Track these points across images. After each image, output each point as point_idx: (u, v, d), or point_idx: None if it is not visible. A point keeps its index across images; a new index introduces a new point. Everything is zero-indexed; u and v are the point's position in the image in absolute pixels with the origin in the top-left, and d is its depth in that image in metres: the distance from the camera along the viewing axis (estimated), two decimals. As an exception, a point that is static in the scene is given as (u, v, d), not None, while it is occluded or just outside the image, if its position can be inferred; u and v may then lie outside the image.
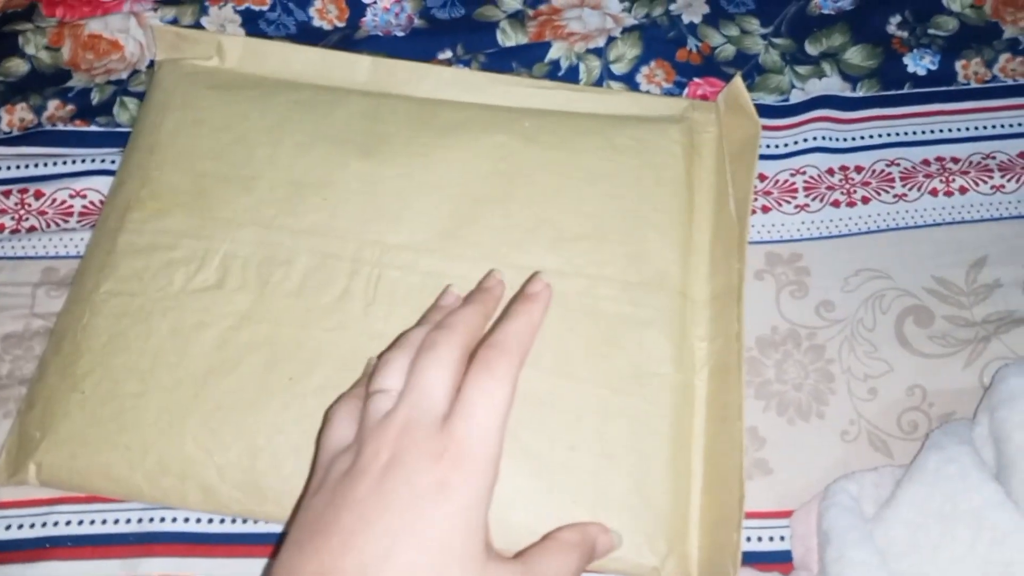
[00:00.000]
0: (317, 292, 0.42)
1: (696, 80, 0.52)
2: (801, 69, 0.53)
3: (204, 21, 0.53)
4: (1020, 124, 0.51)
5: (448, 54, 0.53)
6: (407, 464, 0.27)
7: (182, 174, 0.45)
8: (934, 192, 0.49)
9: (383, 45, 0.53)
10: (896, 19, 0.55)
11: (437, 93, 0.49)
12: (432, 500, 0.26)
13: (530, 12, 0.54)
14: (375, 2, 0.54)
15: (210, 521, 0.41)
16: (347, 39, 0.53)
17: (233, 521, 0.41)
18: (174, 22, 0.53)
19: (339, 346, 0.41)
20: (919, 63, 0.53)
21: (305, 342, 0.41)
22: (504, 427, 0.30)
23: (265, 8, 0.53)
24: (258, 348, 0.41)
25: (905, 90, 0.52)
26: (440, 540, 0.26)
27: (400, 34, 0.53)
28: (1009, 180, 0.49)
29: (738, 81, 0.46)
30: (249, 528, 0.41)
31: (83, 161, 0.49)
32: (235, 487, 0.39)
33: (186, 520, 0.41)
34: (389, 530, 0.26)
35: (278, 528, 0.41)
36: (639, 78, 0.53)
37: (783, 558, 0.41)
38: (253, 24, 0.53)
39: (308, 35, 0.53)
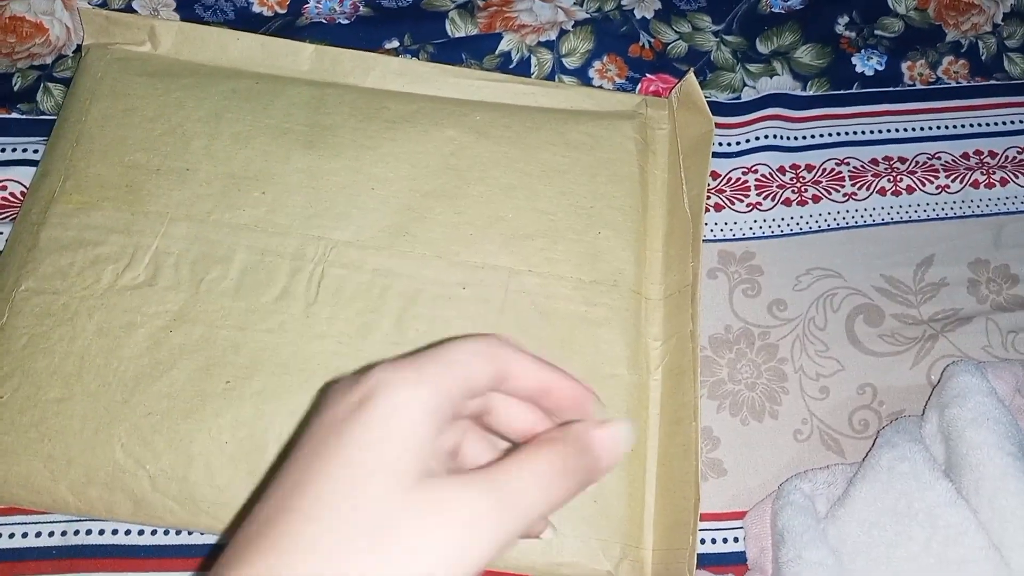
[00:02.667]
0: (255, 291, 0.40)
1: (649, 76, 0.52)
2: (752, 67, 0.53)
3: (136, 4, 0.50)
4: (963, 126, 0.52)
5: (395, 44, 0.51)
6: (339, 392, 0.25)
7: (110, 165, 0.42)
8: (882, 191, 0.49)
9: (326, 33, 0.50)
10: (844, 19, 0.55)
11: (384, 84, 0.47)
12: (347, 422, 0.23)
13: (480, 2, 0.53)
14: (318, -12, 0.52)
15: (140, 533, 0.39)
16: (288, 26, 0.51)
17: (166, 533, 0.39)
18: (103, 5, 0.50)
19: (279, 349, 0.39)
20: (867, 63, 0.54)
21: (243, 344, 0.39)
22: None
23: (202, -8, 0.51)
24: (192, 350, 0.39)
25: (854, 90, 0.53)
26: (376, 452, 0.22)
27: (344, 22, 0.51)
28: (953, 180, 0.50)
29: (691, 78, 0.45)
30: (183, 540, 0.39)
31: (3, 151, 0.46)
32: (168, 497, 0.37)
33: (114, 532, 0.39)
34: (315, 456, 0.23)
35: (214, 539, 0.39)
36: (591, 73, 0.52)
37: (738, 559, 0.40)
38: (188, 8, 0.51)
39: (247, 21, 0.51)
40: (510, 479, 0.23)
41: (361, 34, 0.51)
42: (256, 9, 0.51)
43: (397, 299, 0.40)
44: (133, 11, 0.50)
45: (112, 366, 0.38)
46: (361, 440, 0.23)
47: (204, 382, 0.38)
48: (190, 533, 0.39)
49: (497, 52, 0.51)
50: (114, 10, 0.49)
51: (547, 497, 0.23)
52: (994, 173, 0.50)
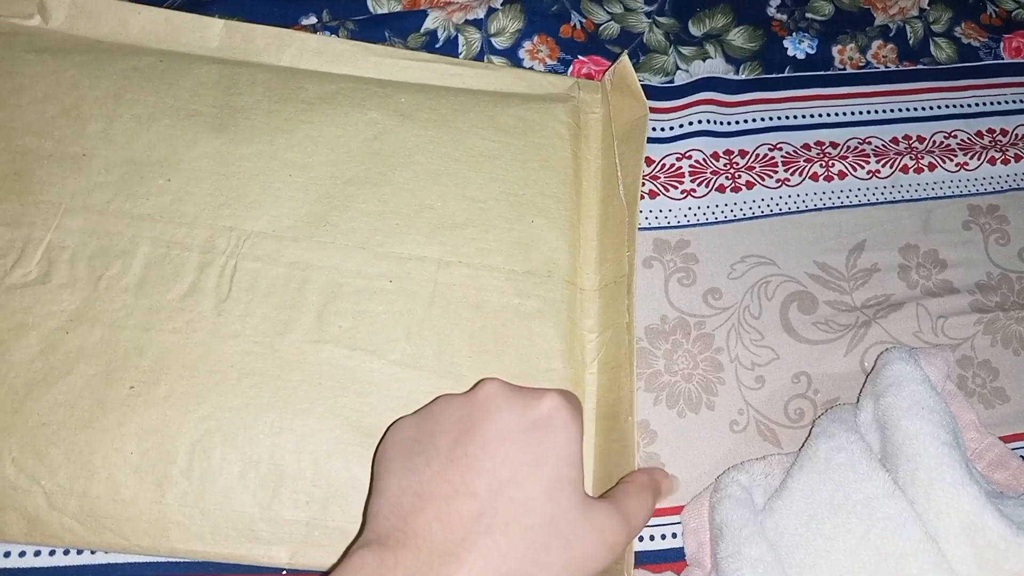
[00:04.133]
0: (161, 288, 0.37)
1: (581, 58, 0.50)
2: (685, 50, 0.52)
3: (23, -27, 0.46)
4: (892, 110, 0.52)
5: (313, 20, 0.48)
6: (514, 401, 0.30)
7: (-5, 150, 0.38)
8: (815, 177, 0.49)
9: (237, 8, 0.47)
10: (776, 2, 0.55)
11: (301, 63, 0.44)
12: (542, 433, 0.29)
13: (404, -22, 0.50)
14: (229, -40, 0.48)
15: (36, 554, 0.36)
16: (196, 0, 0.47)
17: (65, 553, 0.36)
18: (-15, -28, 0.45)
19: (188, 350, 0.36)
20: (798, 47, 0.53)
21: (147, 346, 0.36)
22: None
23: (98, -39, 0.47)
24: (91, 353, 0.35)
25: (786, 73, 0.52)
26: (553, 470, 0.29)
27: (258, -4, 0.48)
28: (884, 165, 0.50)
29: (625, 60, 0.44)
30: (85, 560, 0.36)
31: None
32: (67, 515, 0.34)
33: (6, 555, 0.36)
34: (509, 458, 0.28)
35: (122, 558, 0.36)
36: (522, 53, 0.50)
37: (677, 556, 0.39)
38: (84, -21, 0.46)
39: (151, -6, 0.47)
40: (629, 512, 0.31)
41: (276, 9, 0.48)
42: (160, -19, 0.48)
43: (317, 294, 0.38)
44: (20, -20, 0.45)
45: (0, 372, 0.35)
46: (553, 459, 0.29)
47: (105, 388, 0.35)
48: (92, 552, 0.36)
49: (422, 30, 0.49)
50: (-2, -21, 0.45)
51: (643, 524, 0.32)
52: (922, 158, 0.50)
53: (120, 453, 0.34)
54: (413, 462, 0.29)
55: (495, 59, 0.49)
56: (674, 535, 0.40)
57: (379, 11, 0.49)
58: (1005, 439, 0.42)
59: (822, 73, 0.53)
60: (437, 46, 0.49)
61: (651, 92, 0.49)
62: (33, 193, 0.38)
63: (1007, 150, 0.51)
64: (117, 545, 0.34)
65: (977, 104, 0.53)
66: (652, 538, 0.40)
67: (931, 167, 0.50)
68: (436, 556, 0.26)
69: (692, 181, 0.48)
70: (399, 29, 0.49)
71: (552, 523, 0.28)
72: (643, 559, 0.39)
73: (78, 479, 0.34)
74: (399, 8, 0.49)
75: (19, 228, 0.37)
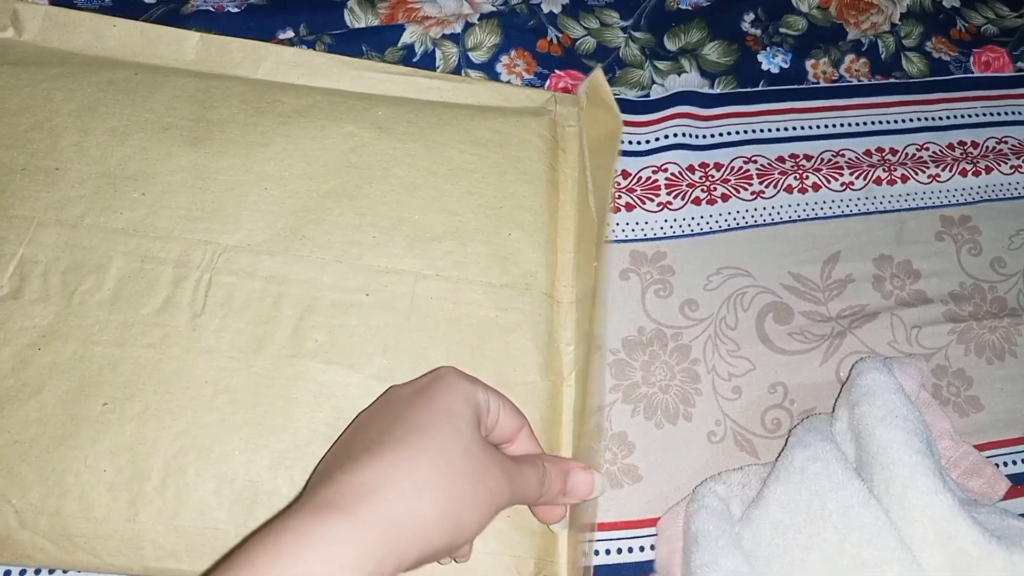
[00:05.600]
0: (135, 302, 0.36)
1: (558, 72, 0.50)
2: (661, 64, 0.52)
3: (-3, -14, 0.46)
4: (865, 123, 0.53)
5: (290, 33, 0.48)
6: (409, 382, 0.33)
7: (-34, 164, 0.38)
8: (789, 189, 0.50)
9: (214, 22, 0.47)
10: (750, 17, 0.55)
11: (278, 76, 0.44)
12: (432, 386, 0.31)
13: (381, -8, 0.50)
14: (205, -27, 0.48)
15: (7, 574, 0.35)
16: (172, 14, 0.47)
17: (37, 572, 0.35)
18: (-42, -15, 0.45)
19: (162, 365, 0.35)
20: (772, 61, 0.54)
21: (121, 362, 0.35)
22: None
23: (73, -26, 0.47)
24: (64, 369, 0.35)
25: (760, 87, 0.53)
26: (445, 405, 0.30)
27: (234, 10, 0.48)
28: (857, 177, 0.51)
29: (599, 74, 0.44)
30: (57, 579, 0.35)
31: None
32: (37, 534, 0.33)
33: (-24, 575, 0.35)
34: (402, 409, 0.30)
35: (95, 576, 0.35)
36: (499, 67, 0.50)
37: (649, 570, 0.39)
38: (58, -9, 0.46)
39: (126, 7, 0.47)
40: (521, 474, 0.31)
41: (252, 23, 0.48)
42: (136, -6, 0.48)
43: (293, 308, 0.38)
44: (-6, -7, 0.45)
45: (-30, 389, 0.34)
46: (445, 398, 0.30)
47: (78, 404, 0.35)
48: (65, 572, 0.35)
49: (399, 44, 0.49)
50: (-29, -8, 0.45)
51: (527, 498, 0.32)
52: (895, 170, 0.51)
53: (93, 471, 0.34)
54: (328, 461, 0.31)
55: (472, 73, 0.49)
56: (652, 547, 0.40)
57: (356, 25, 0.49)
58: (979, 447, 0.43)
59: (796, 87, 0.53)
60: (414, 60, 0.49)
61: (627, 106, 0.50)
62: (5, 207, 0.37)
63: (978, 162, 0.52)
64: (90, 564, 0.34)
65: (948, 117, 0.54)
66: (631, 550, 0.40)
67: (904, 179, 0.51)
68: (323, 484, 0.27)
69: (668, 194, 0.48)
70: (376, 43, 0.49)
71: (453, 444, 0.29)
72: (623, 571, 0.39)
73: (50, 497, 0.34)
74: (376, 22, 0.49)
75: (-10, 243, 0.37)
